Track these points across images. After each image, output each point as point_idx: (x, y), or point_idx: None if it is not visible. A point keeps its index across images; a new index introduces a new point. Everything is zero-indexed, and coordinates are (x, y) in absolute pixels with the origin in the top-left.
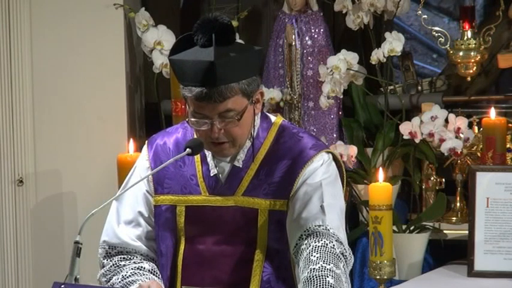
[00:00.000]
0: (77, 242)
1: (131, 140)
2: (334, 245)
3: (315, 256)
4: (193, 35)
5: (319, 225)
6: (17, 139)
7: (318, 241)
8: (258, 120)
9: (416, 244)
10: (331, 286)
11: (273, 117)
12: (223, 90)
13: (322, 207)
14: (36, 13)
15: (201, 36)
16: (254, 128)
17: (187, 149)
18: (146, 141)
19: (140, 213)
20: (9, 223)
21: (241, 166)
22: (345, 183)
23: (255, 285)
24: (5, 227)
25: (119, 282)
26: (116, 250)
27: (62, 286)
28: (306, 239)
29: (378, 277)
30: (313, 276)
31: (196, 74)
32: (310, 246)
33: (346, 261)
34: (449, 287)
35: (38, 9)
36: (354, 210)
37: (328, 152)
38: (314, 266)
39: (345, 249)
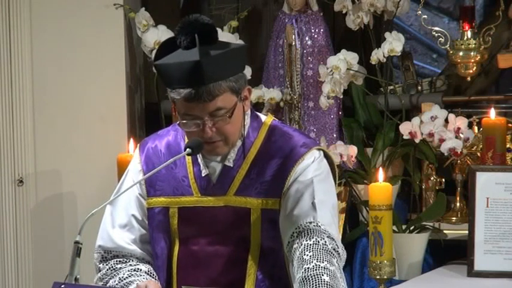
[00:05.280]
0: (77, 242)
1: (131, 140)
2: (325, 242)
3: (307, 255)
4: (175, 38)
5: (310, 222)
6: (17, 139)
7: (309, 239)
8: (248, 120)
9: (416, 244)
10: (327, 284)
11: (263, 117)
12: (212, 89)
13: (313, 204)
14: (36, 13)
15: (183, 38)
16: (244, 128)
17: (187, 149)
18: (138, 145)
19: (134, 216)
20: (9, 223)
21: (232, 166)
22: (337, 179)
23: (250, 284)
24: (5, 227)
25: (116, 284)
26: (111, 254)
27: (62, 286)
28: (297, 237)
29: (378, 277)
30: (308, 276)
31: (183, 76)
32: (302, 245)
33: (339, 257)
34: (449, 287)
35: (38, 9)
36: (354, 210)
37: (319, 149)
38: (308, 266)
39: (337, 245)
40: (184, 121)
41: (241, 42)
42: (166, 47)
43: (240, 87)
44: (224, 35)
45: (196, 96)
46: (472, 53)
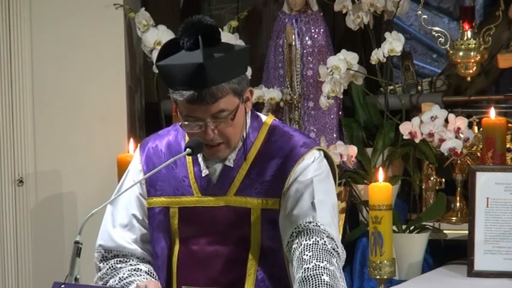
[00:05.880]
0: (77, 242)
1: (131, 140)
2: (325, 241)
3: (307, 255)
4: (178, 39)
5: (310, 222)
6: (17, 139)
7: (309, 239)
8: (248, 120)
9: (416, 244)
10: (326, 284)
11: (263, 117)
12: (215, 91)
13: (313, 203)
14: (36, 13)
15: (186, 39)
16: (246, 128)
17: (188, 149)
18: (138, 145)
19: (134, 216)
20: (9, 223)
21: (232, 166)
22: (337, 179)
23: (250, 284)
24: (5, 227)
25: (116, 284)
26: (112, 254)
27: (62, 286)
28: (297, 237)
29: (378, 277)
30: (307, 276)
31: (186, 77)
32: (301, 245)
33: (339, 257)
34: (449, 287)
35: (38, 10)
36: (354, 210)
37: (319, 149)
38: (308, 266)
39: (336, 245)
40: (186, 122)
41: (241, 42)
42: (169, 48)
43: (242, 89)
44: (224, 35)
45: (199, 98)
46: (472, 53)
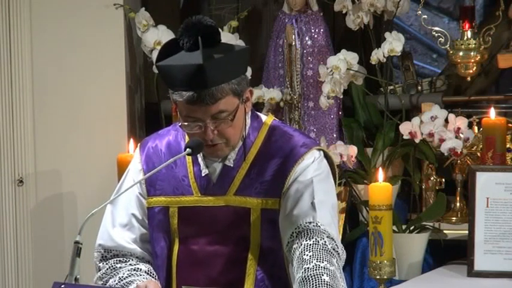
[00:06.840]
0: (77, 242)
1: (131, 140)
2: (325, 242)
3: (307, 255)
4: (178, 40)
5: (310, 222)
6: (17, 139)
7: (309, 239)
8: (248, 120)
9: (416, 244)
10: (326, 284)
11: (263, 117)
12: (214, 92)
13: (313, 204)
14: (36, 13)
15: (186, 40)
16: (245, 128)
17: (188, 149)
18: (138, 144)
19: (134, 215)
20: (9, 223)
21: (232, 166)
22: (337, 179)
23: (250, 284)
24: (5, 227)
25: (116, 284)
26: (111, 253)
27: (62, 286)
28: (297, 237)
29: (378, 277)
30: (308, 276)
31: (186, 78)
32: (302, 245)
33: (339, 257)
34: (449, 287)
35: (38, 9)
36: (354, 210)
37: (319, 149)
38: (308, 266)
39: (336, 245)
40: (186, 123)
41: (241, 42)
42: (168, 48)
43: (242, 90)
44: (224, 35)
45: (199, 99)
46: (472, 53)
